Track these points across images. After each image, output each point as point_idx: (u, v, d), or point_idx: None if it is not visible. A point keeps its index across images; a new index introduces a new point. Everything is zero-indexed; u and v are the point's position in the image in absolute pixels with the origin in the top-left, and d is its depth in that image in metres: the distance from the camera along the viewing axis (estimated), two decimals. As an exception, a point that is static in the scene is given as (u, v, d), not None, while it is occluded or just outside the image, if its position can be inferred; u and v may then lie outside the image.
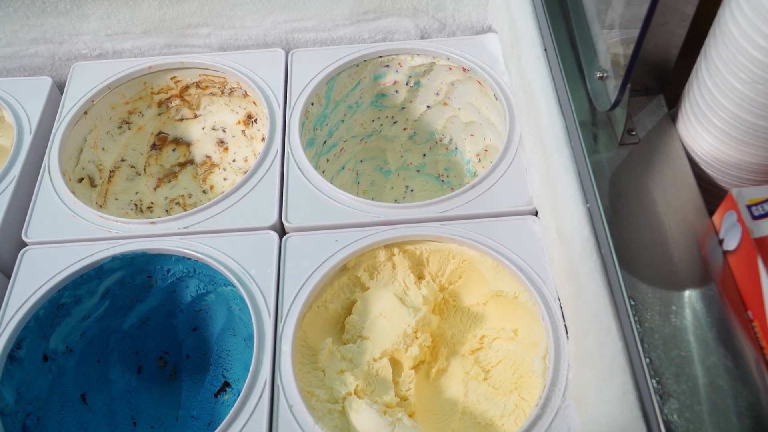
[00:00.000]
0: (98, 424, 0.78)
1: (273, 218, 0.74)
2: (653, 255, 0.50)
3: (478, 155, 0.95)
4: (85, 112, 0.85)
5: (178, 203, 0.93)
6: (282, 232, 0.75)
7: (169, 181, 0.95)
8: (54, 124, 0.84)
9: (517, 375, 0.70)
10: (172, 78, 0.91)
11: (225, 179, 0.96)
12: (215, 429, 0.81)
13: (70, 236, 0.74)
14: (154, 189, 0.94)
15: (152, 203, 0.92)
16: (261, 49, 0.91)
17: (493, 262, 0.71)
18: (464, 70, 0.87)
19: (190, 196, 0.95)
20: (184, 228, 0.74)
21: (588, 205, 0.55)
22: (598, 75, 0.55)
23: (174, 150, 0.97)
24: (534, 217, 0.73)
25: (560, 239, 0.58)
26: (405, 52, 0.89)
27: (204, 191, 0.95)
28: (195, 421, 0.81)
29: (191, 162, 0.97)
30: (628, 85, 0.52)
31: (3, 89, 0.87)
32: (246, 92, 0.90)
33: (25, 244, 0.74)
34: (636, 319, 0.47)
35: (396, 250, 0.74)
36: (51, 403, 0.74)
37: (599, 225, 0.53)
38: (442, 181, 1.00)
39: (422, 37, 0.91)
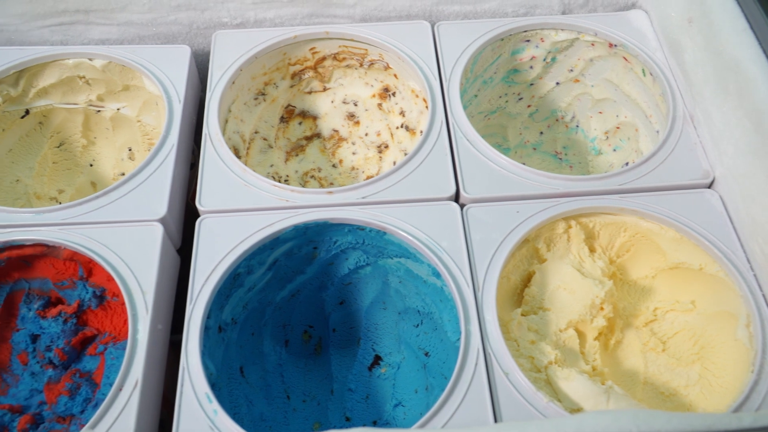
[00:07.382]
0: (257, 397, 0.77)
1: (452, 189, 0.73)
2: None
3: (606, 132, 0.95)
4: (233, 82, 0.83)
5: (313, 176, 0.92)
6: (457, 203, 0.74)
7: (297, 155, 0.94)
8: (206, 92, 0.81)
9: (698, 346, 0.71)
10: (311, 49, 0.89)
11: (354, 153, 0.95)
12: (373, 402, 0.81)
13: (247, 205, 0.72)
14: (285, 162, 0.93)
15: (288, 176, 0.91)
16: (403, 20, 0.90)
17: (676, 234, 0.71)
18: (611, 45, 0.87)
19: (319, 170, 0.93)
20: (363, 198, 0.73)
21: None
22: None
23: (300, 123, 0.95)
24: (711, 190, 0.74)
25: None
26: (551, 26, 0.88)
27: (334, 165, 0.94)
28: (352, 394, 0.80)
29: (317, 136, 0.95)
30: None
31: (141, 56, 0.85)
32: (387, 64, 0.89)
33: (195, 214, 0.73)
34: None
35: (573, 223, 0.74)
36: (222, 374, 0.73)
37: None
38: (560, 159, 1.01)
39: (563, 12, 0.90)
